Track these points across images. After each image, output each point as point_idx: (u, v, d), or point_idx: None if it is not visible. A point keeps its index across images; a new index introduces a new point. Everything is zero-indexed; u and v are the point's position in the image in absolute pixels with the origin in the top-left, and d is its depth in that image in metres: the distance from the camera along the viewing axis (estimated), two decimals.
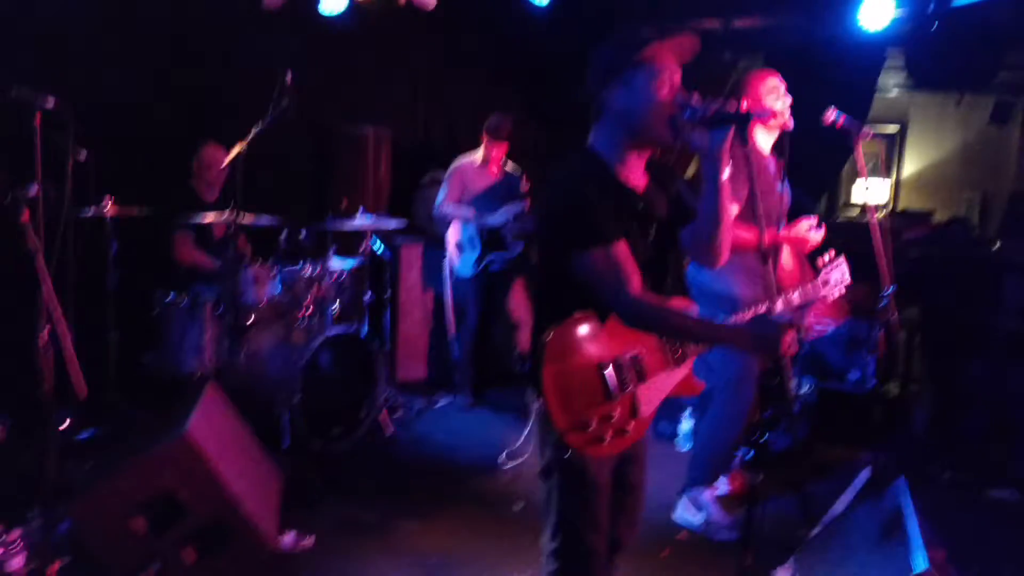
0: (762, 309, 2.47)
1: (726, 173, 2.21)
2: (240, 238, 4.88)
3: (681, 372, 2.39)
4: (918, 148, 9.51)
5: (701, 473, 4.01)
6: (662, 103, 2.16)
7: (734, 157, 2.23)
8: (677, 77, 2.21)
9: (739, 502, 4.01)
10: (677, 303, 2.35)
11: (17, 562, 3.13)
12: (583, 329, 2.20)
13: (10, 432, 4.22)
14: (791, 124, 3.78)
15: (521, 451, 4.61)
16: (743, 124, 2.11)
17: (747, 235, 3.32)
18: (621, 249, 2.15)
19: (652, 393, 2.30)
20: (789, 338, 2.04)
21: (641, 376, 2.26)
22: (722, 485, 4.06)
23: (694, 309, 2.41)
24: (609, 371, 2.20)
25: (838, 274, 2.97)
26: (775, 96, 3.78)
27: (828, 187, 8.78)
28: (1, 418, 4.25)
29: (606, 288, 2.15)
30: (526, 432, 4.39)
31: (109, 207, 4.24)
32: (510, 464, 4.45)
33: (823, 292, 2.94)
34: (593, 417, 2.18)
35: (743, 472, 4.23)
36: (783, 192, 3.95)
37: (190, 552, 3.16)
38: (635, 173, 2.29)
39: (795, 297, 2.81)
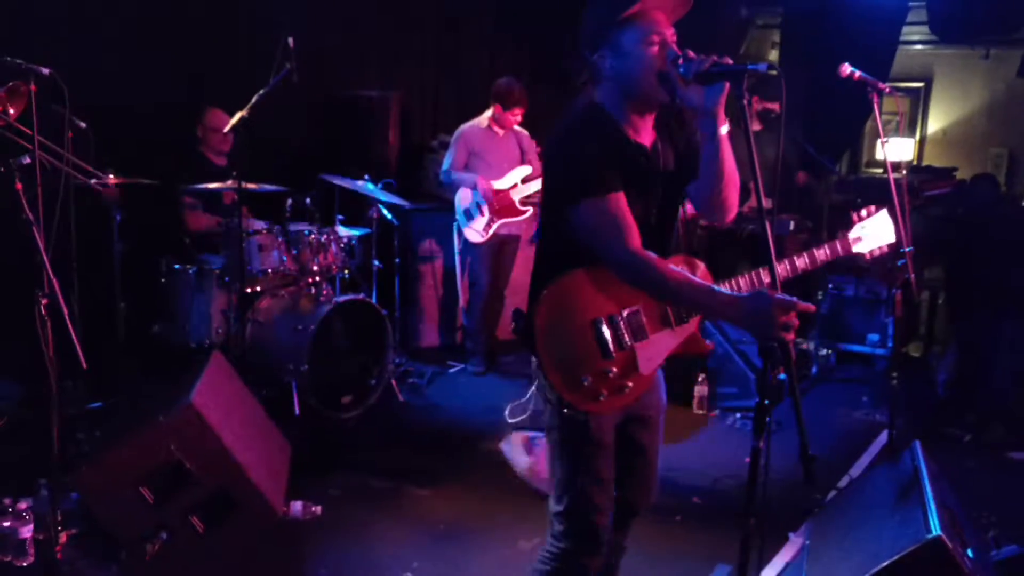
0: (774, 273, 2.34)
1: (724, 128, 2.14)
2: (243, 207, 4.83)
3: (686, 331, 2.33)
4: (943, 104, 9.31)
5: None
6: (653, 61, 2.09)
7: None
8: (669, 33, 2.13)
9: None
10: (681, 262, 2.29)
11: (26, 532, 3.14)
12: (579, 284, 2.17)
13: (21, 403, 4.25)
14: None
15: (526, 409, 4.57)
16: (739, 78, 2.01)
17: None
18: (619, 200, 2.10)
19: (653, 351, 2.25)
20: (784, 319, 1.90)
21: (640, 333, 2.22)
22: None
23: (700, 268, 2.33)
24: (605, 328, 2.17)
25: (876, 230, 2.61)
26: None
27: (849, 144, 8.63)
28: (12, 390, 4.28)
29: (603, 241, 2.10)
30: (531, 392, 4.33)
31: (112, 176, 4.20)
32: (514, 419, 4.43)
33: (855, 250, 2.58)
34: (588, 373, 2.16)
35: None
36: None
37: (198, 521, 3.16)
38: (642, 131, 2.22)
39: (821, 254, 2.50)
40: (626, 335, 2.20)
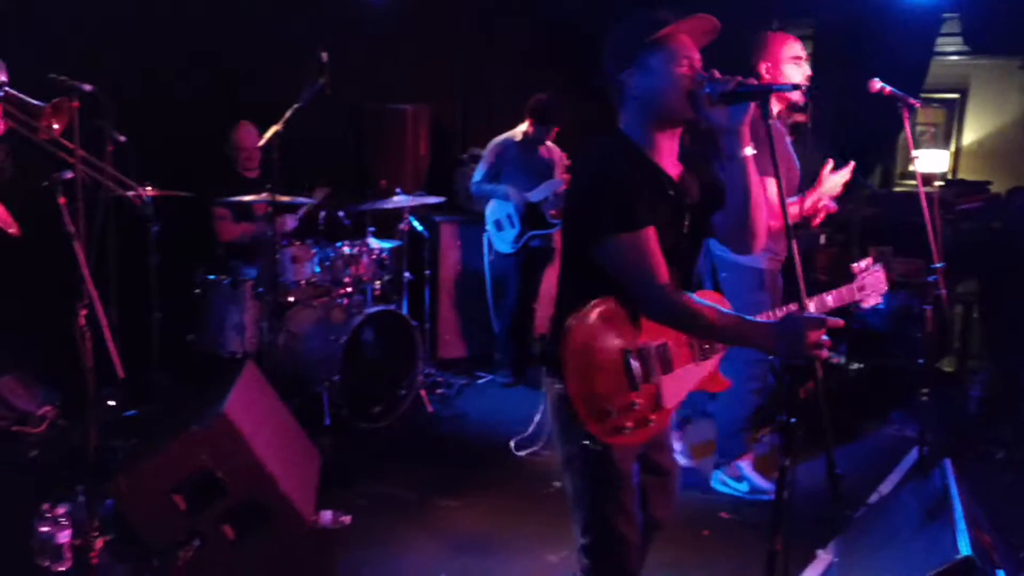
0: (792, 307, 2.36)
1: (748, 150, 2.13)
2: (278, 217, 4.90)
3: (708, 366, 2.33)
4: (979, 115, 9.18)
5: (728, 447, 4.05)
6: (681, 82, 2.10)
7: (757, 133, 2.14)
8: (696, 56, 2.14)
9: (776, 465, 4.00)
10: (705, 296, 2.28)
11: (63, 537, 3.20)
12: (608, 315, 2.13)
13: (60, 411, 4.35)
14: (802, 99, 3.64)
15: (533, 438, 4.52)
16: (764, 99, 2.02)
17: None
18: (651, 237, 2.08)
19: (677, 385, 2.24)
20: (816, 339, 1.93)
21: (667, 367, 2.20)
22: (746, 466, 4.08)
23: (719, 299, 2.34)
24: (634, 360, 2.14)
25: (874, 281, 2.74)
26: (796, 64, 3.64)
27: (882, 157, 8.55)
28: (52, 397, 4.38)
29: (632, 277, 2.08)
30: (537, 419, 4.36)
31: (150, 189, 4.29)
32: (522, 452, 4.46)
33: (858, 297, 2.71)
34: (615, 406, 2.12)
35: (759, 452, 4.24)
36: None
37: (229, 529, 3.21)
38: (667, 159, 2.22)
39: (829, 300, 2.61)
40: (654, 368, 2.17)
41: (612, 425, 2.13)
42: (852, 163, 3.57)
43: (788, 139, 3.72)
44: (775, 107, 3.70)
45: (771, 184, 3.14)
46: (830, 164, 3.59)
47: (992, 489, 4.03)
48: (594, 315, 2.12)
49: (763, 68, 3.63)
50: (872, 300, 2.73)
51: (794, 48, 3.64)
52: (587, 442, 2.16)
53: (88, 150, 3.35)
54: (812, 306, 2.48)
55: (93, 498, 3.14)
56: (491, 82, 6.84)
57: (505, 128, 5.57)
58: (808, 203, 3.62)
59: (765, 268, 3.74)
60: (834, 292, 2.63)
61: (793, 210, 3.64)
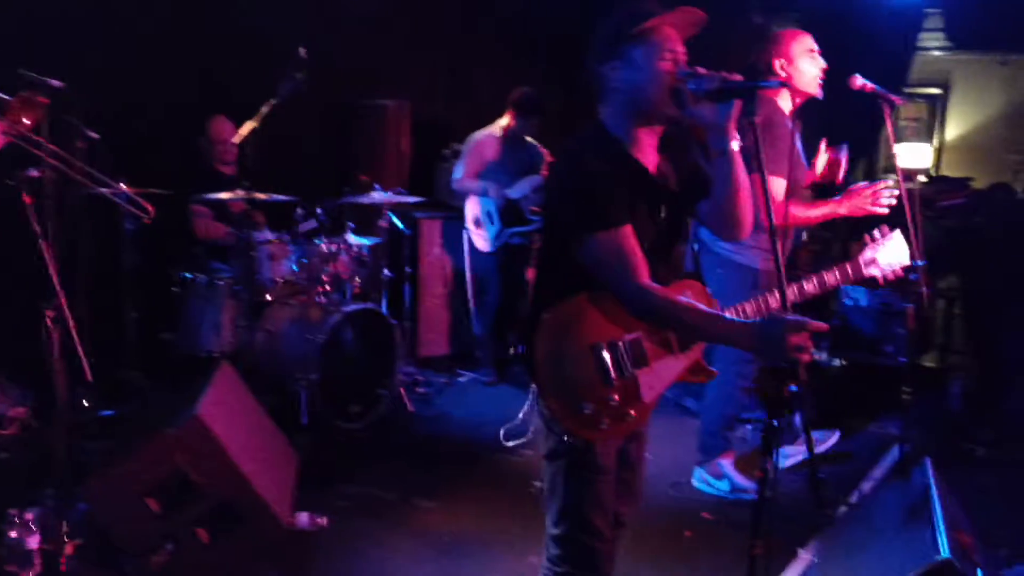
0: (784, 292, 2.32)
1: (735, 144, 2.12)
2: (256, 214, 4.85)
3: (689, 357, 2.30)
4: (962, 111, 9.21)
5: (711, 445, 4.03)
6: (664, 77, 2.08)
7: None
8: (680, 50, 2.12)
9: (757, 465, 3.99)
10: (685, 287, 2.26)
11: (33, 542, 3.13)
12: (580, 310, 2.14)
13: (33, 412, 4.28)
14: (820, 93, 3.62)
15: (521, 430, 4.49)
16: (750, 95, 2.00)
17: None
18: (628, 234, 2.08)
19: (655, 378, 2.22)
20: (797, 341, 1.89)
21: (642, 360, 2.19)
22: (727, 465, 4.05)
23: (705, 292, 2.31)
24: (606, 355, 2.13)
25: (890, 253, 2.61)
26: (811, 57, 3.62)
27: (865, 152, 8.57)
28: (24, 398, 4.31)
29: (611, 275, 2.08)
30: (525, 409, 4.34)
31: (124, 186, 4.22)
32: (511, 443, 4.46)
33: (868, 272, 2.61)
34: (589, 401, 2.12)
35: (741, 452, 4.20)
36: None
37: (203, 532, 3.16)
38: (646, 152, 2.20)
39: (830, 277, 2.53)
40: (627, 362, 2.16)
41: (588, 420, 2.13)
42: (891, 181, 3.56)
43: (798, 137, 3.69)
44: (789, 104, 3.67)
45: (776, 182, 3.10)
46: (864, 183, 3.59)
47: (973, 487, 4.02)
48: (563, 311, 2.14)
49: (777, 65, 3.59)
50: (890, 271, 2.60)
51: (806, 42, 3.62)
52: (567, 437, 2.16)
53: (58, 147, 3.29)
54: (808, 286, 2.46)
55: (63, 501, 3.09)
56: (475, 77, 6.80)
57: (488, 123, 5.52)
58: (822, 211, 3.60)
59: (760, 268, 3.71)
60: (837, 268, 2.55)
61: (813, 213, 3.62)
